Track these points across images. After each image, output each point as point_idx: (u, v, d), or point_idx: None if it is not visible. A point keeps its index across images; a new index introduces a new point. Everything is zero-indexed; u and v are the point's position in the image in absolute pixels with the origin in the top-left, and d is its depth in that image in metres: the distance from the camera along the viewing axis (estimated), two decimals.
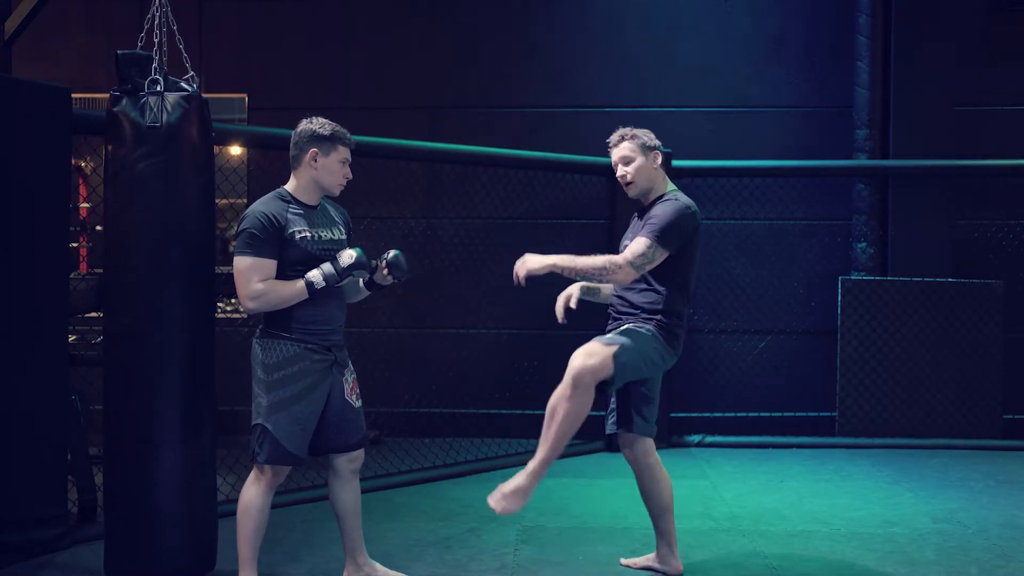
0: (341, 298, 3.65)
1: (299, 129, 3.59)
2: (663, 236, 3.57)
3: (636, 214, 3.86)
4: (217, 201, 4.11)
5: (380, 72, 6.84)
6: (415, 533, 4.52)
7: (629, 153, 3.77)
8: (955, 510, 4.97)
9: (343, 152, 3.58)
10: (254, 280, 3.44)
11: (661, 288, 3.68)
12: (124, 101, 3.65)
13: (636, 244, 3.58)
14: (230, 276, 3.57)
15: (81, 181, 6.85)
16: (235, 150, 6.69)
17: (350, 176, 3.63)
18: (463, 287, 6.67)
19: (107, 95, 3.71)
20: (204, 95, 3.80)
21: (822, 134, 6.82)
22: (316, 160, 3.54)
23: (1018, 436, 6.54)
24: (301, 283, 3.45)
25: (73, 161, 4.64)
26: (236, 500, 4.79)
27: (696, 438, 6.51)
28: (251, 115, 6.80)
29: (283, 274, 3.49)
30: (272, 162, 5.79)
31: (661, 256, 3.58)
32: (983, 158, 6.65)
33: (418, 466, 5.70)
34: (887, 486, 5.49)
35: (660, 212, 3.64)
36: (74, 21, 6.88)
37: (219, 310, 6.48)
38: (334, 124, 3.59)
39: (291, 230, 3.48)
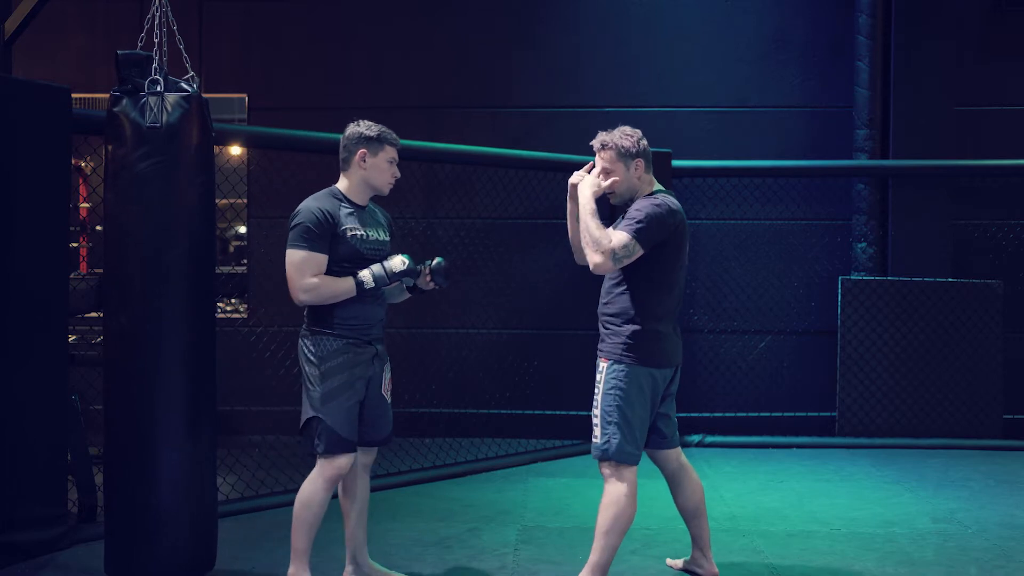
0: (383, 298, 3.75)
1: (347, 132, 3.70)
2: (639, 232, 3.49)
3: (621, 216, 3.80)
4: (217, 201, 4.11)
5: (380, 72, 6.84)
6: (415, 533, 4.52)
7: (608, 165, 3.67)
8: (955, 510, 4.97)
9: (390, 152, 3.70)
10: (307, 274, 3.52)
11: (637, 291, 3.59)
12: (124, 101, 3.65)
13: (618, 236, 3.50)
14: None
15: (81, 181, 6.86)
16: (235, 150, 6.70)
17: (398, 175, 3.75)
18: (463, 287, 6.67)
19: (107, 95, 3.72)
20: (204, 95, 3.80)
21: (822, 134, 6.82)
22: (365, 160, 3.66)
23: (1018, 436, 6.54)
24: (351, 281, 3.56)
25: (73, 161, 4.64)
26: (236, 500, 4.83)
27: (696, 438, 6.51)
28: (251, 115, 6.80)
29: (330, 270, 3.58)
30: (272, 162, 5.79)
31: (637, 253, 3.50)
32: (983, 158, 6.65)
33: (418, 466, 5.70)
34: (887, 486, 5.49)
35: (636, 208, 3.58)
36: (74, 21, 6.87)
37: (219, 310, 6.48)
38: (380, 126, 3.71)
39: (343, 227, 3.59)
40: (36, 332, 4.11)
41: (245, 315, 6.58)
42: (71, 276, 4.82)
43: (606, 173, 3.68)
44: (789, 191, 6.79)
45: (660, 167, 6.38)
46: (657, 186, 3.74)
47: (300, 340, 3.66)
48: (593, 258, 3.50)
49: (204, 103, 3.76)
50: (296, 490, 5.01)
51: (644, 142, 3.70)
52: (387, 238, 3.79)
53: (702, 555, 3.91)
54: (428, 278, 3.74)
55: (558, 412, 6.63)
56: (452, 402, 6.66)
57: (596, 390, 3.64)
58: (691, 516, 3.88)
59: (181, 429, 3.71)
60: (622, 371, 3.59)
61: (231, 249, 7.66)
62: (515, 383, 6.68)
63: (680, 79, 6.84)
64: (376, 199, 3.79)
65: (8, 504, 4.01)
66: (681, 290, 3.72)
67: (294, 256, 3.53)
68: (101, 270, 6.50)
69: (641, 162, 3.67)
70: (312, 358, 3.59)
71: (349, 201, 3.67)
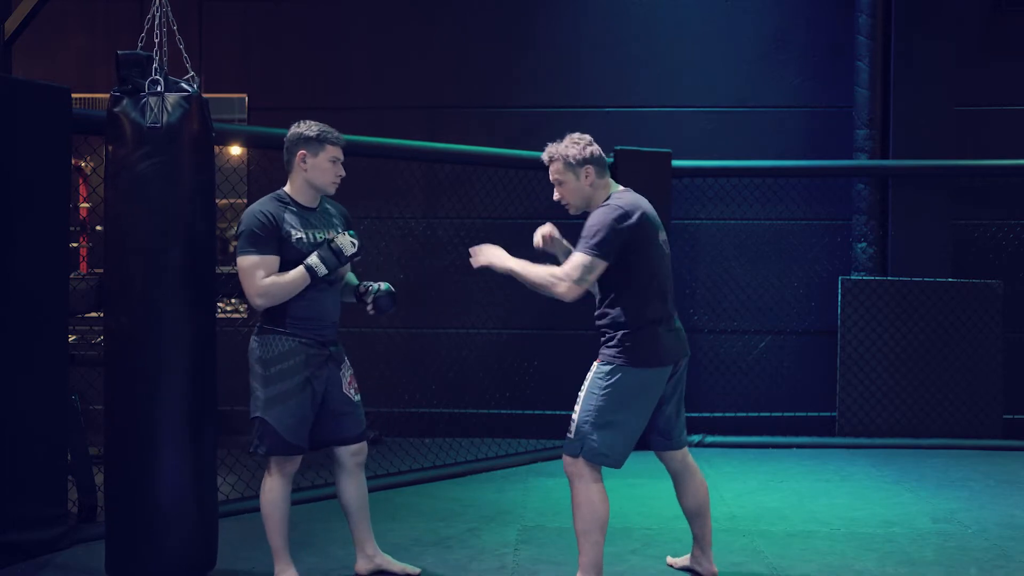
0: (336, 296, 3.74)
1: (288, 133, 3.70)
2: (596, 247, 3.45)
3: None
4: (217, 201, 4.11)
5: (380, 72, 6.84)
6: (415, 533, 4.52)
7: (557, 176, 3.65)
8: (955, 510, 4.97)
9: (332, 151, 3.66)
10: (259, 277, 3.52)
11: (620, 298, 3.58)
12: (125, 101, 3.65)
13: (573, 259, 3.48)
14: (230, 276, 3.60)
15: (81, 181, 6.85)
16: (235, 150, 6.69)
17: (343, 174, 3.72)
18: (463, 287, 6.67)
19: (107, 95, 3.71)
20: (204, 95, 3.80)
21: (822, 134, 6.82)
22: (305, 161, 3.64)
23: (1018, 436, 6.54)
24: (301, 270, 3.54)
25: (73, 161, 4.64)
26: (236, 500, 4.83)
27: (696, 438, 6.51)
28: (251, 115, 6.80)
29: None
30: (272, 162, 5.77)
31: (600, 266, 3.47)
32: (983, 158, 6.65)
33: (418, 466, 5.70)
34: (887, 486, 5.49)
35: (589, 224, 3.53)
36: (74, 21, 6.87)
37: (219, 310, 6.48)
38: (322, 125, 3.67)
39: (286, 230, 3.57)
40: (36, 332, 4.11)
41: (245, 315, 6.59)
42: (71, 276, 4.81)
43: (557, 183, 3.66)
44: (789, 191, 6.79)
45: (660, 167, 6.41)
46: (614, 188, 3.68)
47: (252, 337, 3.65)
48: (557, 291, 3.47)
49: (204, 103, 3.76)
50: (296, 490, 5.04)
51: (593, 148, 3.64)
52: None
53: (703, 554, 3.91)
54: (370, 308, 3.75)
55: (558, 412, 6.59)
56: (452, 402, 6.66)
57: (581, 388, 3.63)
58: (693, 515, 3.88)
59: (182, 429, 3.70)
60: (611, 373, 3.56)
61: (231, 249, 7.65)
62: (515, 383, 6.68)
63: (680, 79, 6.84)
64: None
65: (8, 504, 4.01)
66: (668, 283, 3.66)
67: (244, 262, 3.53)
68: (101, 270, 6.50)
69: (591, 168, 3.62)
70: (264, 358, 3.58)
71: (295, 203, 3.65)
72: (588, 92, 6.85)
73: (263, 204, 3.61)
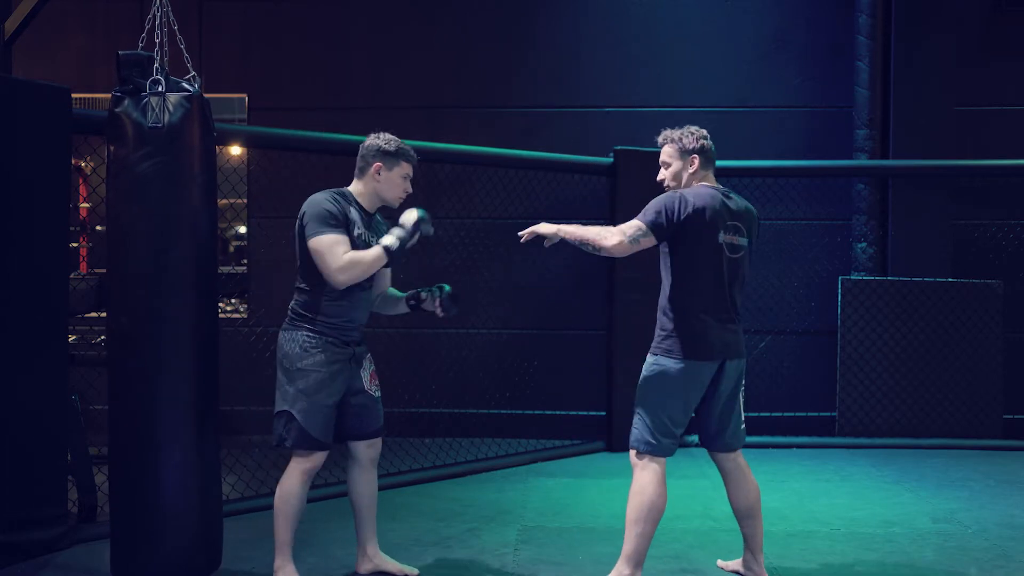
0: (368, 304, 3.84)
1: (367, 142, 3.80)
2: (648, 220, 3.60)
3: None
4: (217, 201, 4.11)
5: (380, 72, 6.84)
6: (415, 533, 4.52)
7: (666, 158, 3.85)
8: (955, 510, 4.98)
9: (406, 168, 3.81)
10: (340, 252, 3.58)
11: (666, 287, 3.72)
12: (126, 102, 3.65)
13: (629, 222, 3.64)
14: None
15: (81, 181, 6.86)
16: (235, 150, 6.69)
17: (410, 190, 3.86)
18: (463, 287, 6.65)
19: (107, 95, 3.71)
20: (204, 95, 3.80)
21: (822, 134, 6.82)
22: (380, 173, 3.76)
23: (1018, 436, 6.55)
24: (380, 249, 3.65)
25: (73, 161, 4.64)
26: (236, 500, 4.84)
27: (696, 438, 6.48)
28: (251, 115, 6.80)
29: None
30: (272, 162, 5.78)
31: (648, 239, 3.60)
32: (983, 158, 6.66)
33: (418, 466, 5.70)
34: (887, 486, 5.50)
35: (652, 200, 3.69)
36: (74, 21, 6.87)
37: (220, 310, 6.48)
38: (399, 141, 3.81)
39: (352, 224, 3.67)
40: (36, 332, 4.11)
41: (245, 315, 6.58)
42: (71, 276, 4.82)
43: (664, 164, 3.85)
44: (789, 191, 6.79)
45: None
46: (709, 181, 3.81)
47: (281, 333, 3.73)
48: (608, 244, 3.60)
49: (205, 103, 3.76)
50: None
51: (705, 142, 3.84)
52: None
53: (753, 558, 3.90)
54: (438, 305, 3.89)
55: (558, 412, 6.62)
56: (452, 402, 6.66)
57: None
58: (743, 516, 3.90)
59: (184, 429, 3.70)
60: (652, 363, 3.69)
61: (231, 249, 7.66)
62: (515, 383, 6.68)
63: (680, 79, 6.85)
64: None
65: (8, 504, 4.01)
66: (721, 281, 3.72)
67: (322, 240, 3.57)
68: (101, 270, 6.51)
69: (697, 159, 3.80)
70: (290, 354, 3.66)
71: (359, 206, 3.76)
72: (588, 92, 6.85)
73: (329, 195, 3.67)
